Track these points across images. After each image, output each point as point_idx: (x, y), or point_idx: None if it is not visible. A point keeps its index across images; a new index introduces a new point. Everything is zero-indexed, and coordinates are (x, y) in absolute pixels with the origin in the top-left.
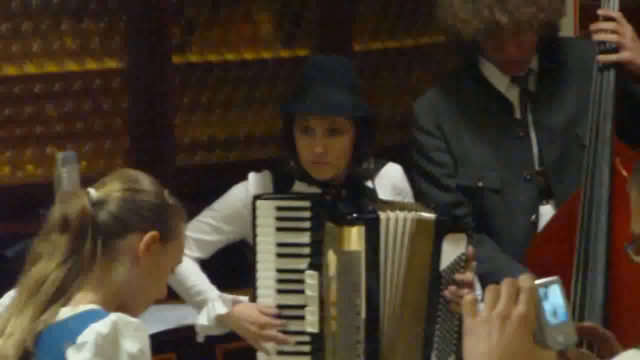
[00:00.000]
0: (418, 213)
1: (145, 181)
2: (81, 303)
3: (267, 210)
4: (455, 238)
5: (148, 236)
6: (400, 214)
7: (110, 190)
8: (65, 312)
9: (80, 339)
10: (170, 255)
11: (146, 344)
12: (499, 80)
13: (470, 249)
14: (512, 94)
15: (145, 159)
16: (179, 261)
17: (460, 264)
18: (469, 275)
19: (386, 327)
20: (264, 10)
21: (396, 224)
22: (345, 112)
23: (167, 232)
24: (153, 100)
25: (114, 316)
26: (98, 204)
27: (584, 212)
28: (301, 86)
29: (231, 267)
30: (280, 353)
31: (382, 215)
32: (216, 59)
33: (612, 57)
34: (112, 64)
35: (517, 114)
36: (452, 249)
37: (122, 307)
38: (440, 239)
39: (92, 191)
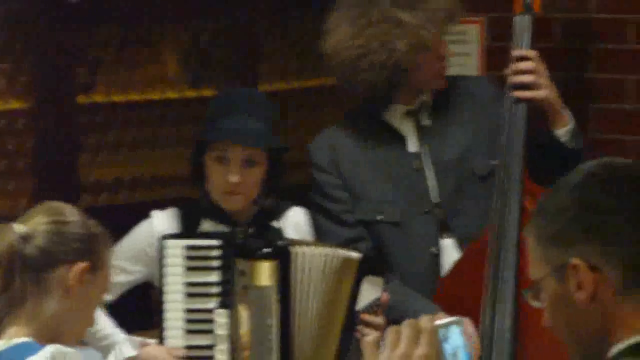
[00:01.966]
0: (342, 251)
1: (70, 212)
2: (14, 337)
3: (175, 250)
4: (374, 281)
5: (78, 267)
6: (316, 250)
7: (35, 224)
8: None
9: None
10: (99, 284)
11: None
12: (393, 115)
13: (385, 294)
14: (406, 128)
15: (50, 199)
16: (109, 289)
17: (374, 307)
18: (379, 320)
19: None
20: (171, 51)
21: (311, 260)
22: (264, 143)
23: (96, 261)
24: (58, 140)
25: (51, 348)
26: (24, 238)
27: (493, 251)
28: (216, 115)
29: (137, 309)
30: None
31: (293, 250)
32: (122, 99)
33: (527, 94)
34: (17, 104)
35: (412, 148)
36: (369, 291)
37: (54, 338)
38: (361, 279)
39: (17, 226)
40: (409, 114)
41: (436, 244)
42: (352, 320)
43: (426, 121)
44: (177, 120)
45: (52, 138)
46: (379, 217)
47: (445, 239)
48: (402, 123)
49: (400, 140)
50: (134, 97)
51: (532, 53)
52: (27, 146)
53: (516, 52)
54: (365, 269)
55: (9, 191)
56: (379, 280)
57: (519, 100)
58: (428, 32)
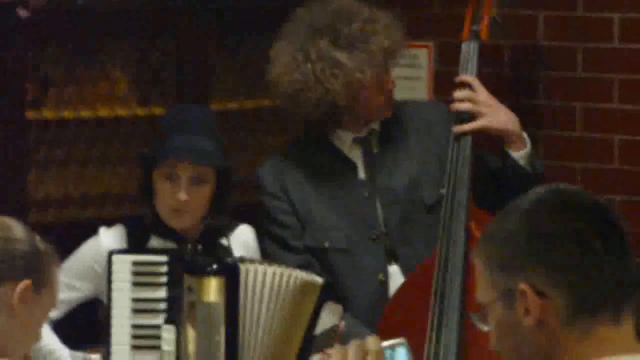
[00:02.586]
0: (305, 274)
1: (16, 229)
2: None
3: (123, 265)
4: (333, 308)
5: (21, 286)
6: (269, 269)
7: None
8: None
9: None
10: (44, 302)
11: None
12: (342, 142)
13: (343, 323)
14: (356, 155)
15: None
16: (54, 306)
17: (332, 334)
18: (335, 347)
19: None
20: (121, 69)
21: (263, 278)
22: (214, 161)
23: (41, 279)
24: (7, 155)
25: None
26: None
27: (439, 274)
28: (164, 133)
29: (84, 324)
30: None
31: (242, 267)
32: (71, 115)
33: (465, 127)
34: None
35: (362, 175)
36: (328, 318)
37: (0, 354)
38: (322, 305)
39: None
40: (358, 141)
41: (384, 271)
42: (308, 345)
43: (375, 148)
44: (127, 138)
45: (0, 153)
46: (326, 244)
47: (393, 266)
48: (352, 150)
49: (350, 166)
50: (84, 113)
51: (470, 79)
52: None
53: (458, 78)
54: (326, 295)
55: None
56: (338, 308)
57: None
58: (364, 74)
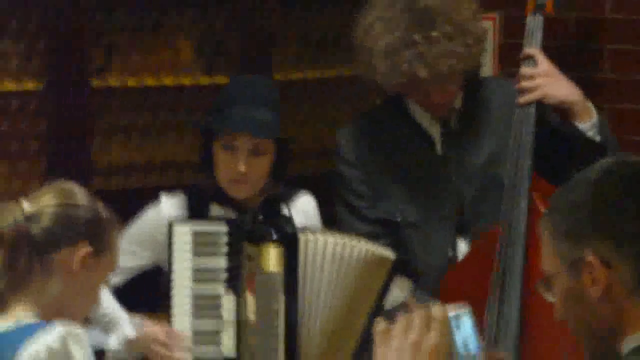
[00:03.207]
0: (377, 248)
1: (79, 195)
2: (21, 317)
3: (183, 236)
4: (403, 283)
5: (82, 251)
6: (330, 239)
7: (44, 204)
8: (2, 325)
9: (28, 350)
10: (103, 267)
11: (90, 351)
12: (422, 116)
13: (412, 298)
14: (434, 130)
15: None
16: (113, 271)
17: (402, 309)
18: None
19: (309, 351)
20: (185, 37)
21: (324, 248)
22: (272, 133)
23: (101, 245)
24: (71, 123)
25: (61, 330)
26: (31, 218)
27: (502, 246)
28: (224, 103)
29: (146, 292)
30: None
31: (302, 237)
32: (136, 83)
33: (525, 98)
34: (30, 85)
35: (439, 151)
36: (397, 293)
37: (58, 317)
38: (392, 279)
39: (26, 205)
40: (438, 115)
41: (454, 248)
42: (379, 316)
43: (455, 125)
44: (190, 106)
45: (65, 120)
46: (398, 217)
47: (463, 242)
48: (430, 124)
49: (428, 141)
50: (148, 81)
51: (534, 52)
52: (40, 128)
53: (523, 52)
54: (396, 270)
55: (21, 173)
56: (407, 283)
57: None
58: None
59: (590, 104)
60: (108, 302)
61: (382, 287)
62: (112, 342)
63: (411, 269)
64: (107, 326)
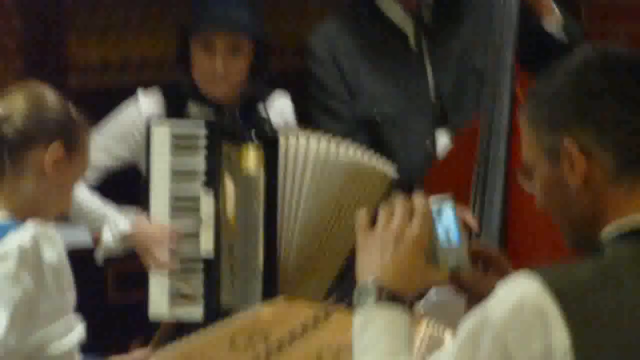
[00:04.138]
0: (378, 164)
1: (49, 96)
2: None
3: (162, 136)
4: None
5: (54, 151)
6: (312, 141)
7: (14, 105)
8: None
9: (2, 249)
10: (75, 167)
11: (62, 251)
12: (394, 12)
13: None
14: (407, 26)
15: (38, 79)
16: (84, 174)
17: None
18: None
19: (290, 254)
20: None
21: (305, 150)
22: (250, 30)
23: (72, 146)
24: (47, 20)
25: (32, 229)
26: (2, 119)
27: (484, 138)
28: (202, 2)
29: (121, 193)
30: (173, 274)
31: (282, 138)
32: None
33: None
34: None
35: (413, 45)
36: None
37: (32, 217)
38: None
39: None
40: (410, 11)
41: (432, 141)
42: None
43: (428, 18)
44: (166, 3)
45: (40, 17)
46: (375, 114)
47: (442, 135)
48: (404, 19)
49: (401, 36)
50: None
51: None
52: (15, 25)
53: None
54: (393, 188)
55: None
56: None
57: None
58: None
59: (553, 4)
60: (91, 199)
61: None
62: (106, 237)
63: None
64: (97, 223)
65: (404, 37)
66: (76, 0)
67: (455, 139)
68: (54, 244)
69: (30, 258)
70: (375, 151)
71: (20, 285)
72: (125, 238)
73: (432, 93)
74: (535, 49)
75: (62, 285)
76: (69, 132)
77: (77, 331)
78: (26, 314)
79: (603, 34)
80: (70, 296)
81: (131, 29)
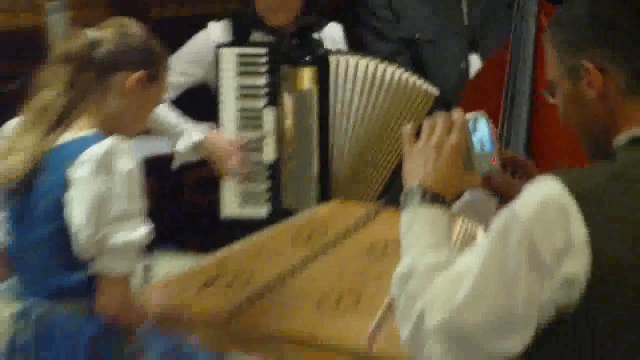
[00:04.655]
0: (421, 82)
1: (135, 28)
2: (80, 129)
3: (229, 57)
4: None
5: (136, 75)
6: (362, 60)
7: (105, 33)
8: (66, 137)
9: (81, 157)
10: (153, 93)
11: (135, 164)
12: None
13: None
14: None
15: (123, 10)
16: (161, 100)
17: None
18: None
19: (344, 160)
20: None
21: (355, 68)
22: None
23: (153, 72)
24: None
25: (109, 140)
26: (95, 43)
27: (512, 60)
28: None
29: (193, 108)
30: (243, 179)
31: (332, 58)
32: None
33: None
34: None
35: None
36: None
37: (114, 132)
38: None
39: (90, 32)
40: None
41: (466, 61)
42: None
43: None
44: None
45: None
46: (417, 35)
47: (473, 56)
48: None
49: None
50: None
51: None
52: None
53: None
54: (440, 106)
55: (86, 3)
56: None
57: None
58: None
59: None
60: (170, 115)
61: (420, 118)
62: (180, 146)
63: (429, 80)
64: (174, 133)
65: None
66: None
67: (487, 60)
68: (127, 156)
69: (103, 166)
70: (416, 71)
71: (94, 188)
72: (197, 147)
73: (465, 19)
74: None
75: (131, 192)
76: (150, 59)
77: (141, 230)
78: (98, 211)
79: None
80: (139, 202)
81: None
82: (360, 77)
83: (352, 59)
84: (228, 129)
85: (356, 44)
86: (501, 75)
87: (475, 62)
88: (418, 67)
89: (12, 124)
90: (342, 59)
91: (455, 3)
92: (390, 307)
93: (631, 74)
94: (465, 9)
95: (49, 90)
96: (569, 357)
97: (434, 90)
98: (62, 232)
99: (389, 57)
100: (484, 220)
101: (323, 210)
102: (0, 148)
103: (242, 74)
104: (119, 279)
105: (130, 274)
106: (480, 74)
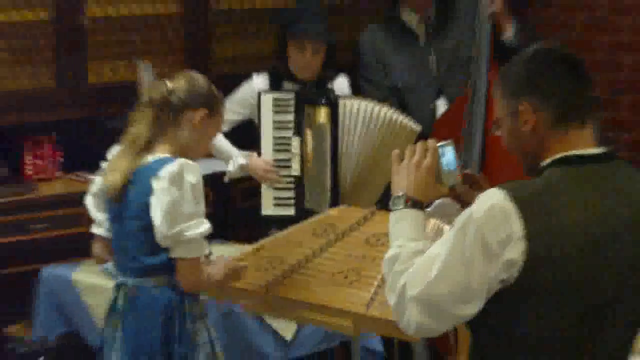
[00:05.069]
0: (405, 119)
1: (200, 78)
2: (160, 153)
3: (268, 100)
4: None
5: (201, 112)
6: (362, 103)
7: (178, 83)
8: (150, 158)
9: (160, 173)
10: (213, 126)
11: (200, 178)
12: (411, 20)
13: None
14: (419, 28)
15: (191, 67)
16: (220, 130)
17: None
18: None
19: (346, 178)
20: None
21: (358, 109)
22: (326, 39)
23: (213, 110)
24: (197, 31)
25: (181, 160)
26: (171, 91)
27: (470, 103)
28: (296, 18)
29: (242, 138)
30: (276, 188)
31: (341, 100)
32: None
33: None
34: (166, 9)
35: (422, 42)
36: None
37: (184, 155)
38: None
39: (168, 83)
40: (421, 20)
41: (434, 102)
42: None
43: (432, 23)
44: (273, 18)
45: (193, 30)
46: (399, 84)
47: (440, 100)
48: (417, 24)
49: (415, 35)
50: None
51: None
52: (181, 34)
53: None
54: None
55: (166, 60)
56: None
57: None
58: None
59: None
60: (225, 143)
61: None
62: (230, 166)
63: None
64: (227, 157)
65: (416, 35)
66: (219, 16)
67: (451, 104)
68: (193, 172)
69: (176, 179)
70: (400, 110)
71: (170, 195)
72: (242, 168)
73: (434, 72)
74: (498, 51)
75: (197, 199)
76: (211, 100)
77: (204, 227)
78: (172, 213)
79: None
80: (202, 206)
81: (245, 37)
82: (362, 115)
83: (356, 102)
84: (266, 151)
85: (357, 91)
86: (461, 114)
87: (441, 105)
88: (401, 107)
89: (114, 150)
90: (349, 101)
91: (426, 61)
92: (382, 282)
93: (554, 114)
94: (434, 65)
95: (138, 125)
96: (510, 317)
97: (417, 127)
98: (147, 227)
99: (382, 100)
100: (449, 220)
101: (334, 212)
102: (107, 168)
103: (276, 112)
104: (190, 262)
105: (198, 258)
106: (446, 113)
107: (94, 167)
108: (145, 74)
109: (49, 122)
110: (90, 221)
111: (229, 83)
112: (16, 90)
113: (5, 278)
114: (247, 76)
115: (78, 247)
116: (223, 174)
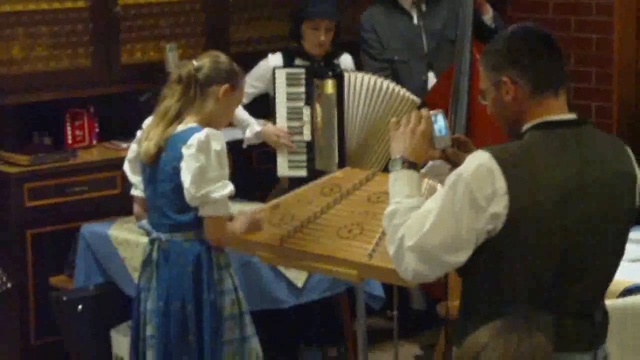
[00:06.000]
0: (405, 91)
1: (223, 57)
2: (188, 123)
3: (281, 75)
4: None
5: (225, 87)
6: (365, 77)
7: (203, 61)
8: (180, 127)
9: (189, 141)
10: (235, 98)
11: (224, 145)
12: (405, 3)
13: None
14: (412, 9)
15: (215, 49)
16: (240, 102)
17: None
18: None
19: (351, 143)
20: None
21: (361, 81)
22: (337, 18)
23: (235, 85)
24: (220, 14)
25: (207, 129)
26: (197, 68)
27: (456, 75)
28: (309, 1)
29: (260, 108)
30: (290, 152)
31: (346, 74)
32: None
33: None
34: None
35: (415, 22)
36: None
37: (209, 125)
38: None
39: (194, 61)
40: (414, 2)
41: (426, 74)
42: None
43: (424, 7)
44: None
45: (216, 13)
46: (395, 57)
47: (430, 73)
48: (411, 7)
49: (409, 15)
50: None
51: None
52: (202, 19)
53: None
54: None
55: (189, 43)
56: None
57: None
58: None
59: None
60: (243, 113)
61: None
62: (247, 134)
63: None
64: (245, 126)
65: (410, 16)
66: (237, 2)
67: (439, 76)
68: (218, 139)
69: (203, 146)
70: (393, 79)
71: (198, 161)
72: (258, 135)
73: (425, 49)
74: (479, 32)
75: (222, 163)
76: (233, 77)
77: (229, 188)
78: (200, 177)
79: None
80: (226, 169)
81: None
82: (365, 87)
83: (359, 75)
84: (281, 120)
85: (360, 67)
86: (449, 86)
87: (431, 78)
88: (396, 79)
89: (147, 121)
90: (353, 74)
91: (418, 39)
92: (382, 235)
93: (532, 85)
94: (425, 42)
95: (169, 99)
96: (496, 263)
97: (416, 98)
98: (178, 188)
99: (379, 72)
100: (441, 179)
101: (339, 173)
102: (141, 136)
103: (289, 85)
104: (216, 220)
105: (223, 216)
106: (436, 85)
107: (125, 136)
108: (170, 55)
109: (87, 97)
110: (124, 184)
111: (247, 62)
112: (57, 70)
113: (50, 234)
114: (263, 55)
115: (113, 207)
116: (242, 141)
